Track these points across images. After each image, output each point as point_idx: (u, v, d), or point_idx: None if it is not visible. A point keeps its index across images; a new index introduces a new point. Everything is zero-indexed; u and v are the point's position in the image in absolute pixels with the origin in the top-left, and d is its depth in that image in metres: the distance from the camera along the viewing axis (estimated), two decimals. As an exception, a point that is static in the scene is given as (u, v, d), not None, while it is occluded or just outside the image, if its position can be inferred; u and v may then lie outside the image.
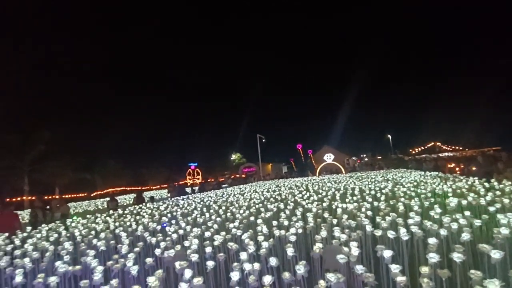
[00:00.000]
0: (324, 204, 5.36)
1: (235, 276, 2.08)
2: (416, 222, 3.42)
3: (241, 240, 3.43)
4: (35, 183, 26.95)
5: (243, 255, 2.51)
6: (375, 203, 5.07)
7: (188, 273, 2.21)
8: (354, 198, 5.81)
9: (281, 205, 5.83)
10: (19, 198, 25.62)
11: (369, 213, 4.29)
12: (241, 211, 5.50)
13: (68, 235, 5.43)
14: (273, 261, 2.30)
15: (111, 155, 37.47)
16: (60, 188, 29.80)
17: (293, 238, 3.09)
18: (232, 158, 48.93)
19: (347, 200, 5.66)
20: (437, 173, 10.91)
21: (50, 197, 25.97)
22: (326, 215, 4.32)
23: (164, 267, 2.89)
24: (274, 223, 4.11)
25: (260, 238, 3.21)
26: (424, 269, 1.83)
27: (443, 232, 2.96)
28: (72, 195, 30.36)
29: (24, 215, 13.93)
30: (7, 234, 5.52)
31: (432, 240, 2.52)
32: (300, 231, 3.61)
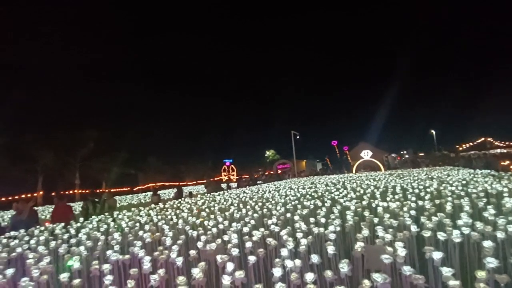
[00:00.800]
0: (364, 202, 5.19)
1: (277, 272, 2.09)
2: (467, 223, 3.19)
3: (279, 236, 3.44)
4: (85, 177, 29.26)
5: (284, 252, 2.52)
6: (420, 202, 4.81)
7: (230, 267, 2.26)
8: (396, 196, 5.56)
9: (318, 203, 5.74)
10: (71, 191, 27.95)
11: (413, 212, 4.09)
12: (278, 208, 5.50)
13: (115, 226, 5.82)
14: (315, 258, 2.28)
15: (152, 152, 39.40)
16: (107, 182, 32.03)
17: (332, 236, 3.03)
18: (266, 155, 49.13)
19: (388, 198, 5.43)
20: (489, 171, 10.06)
21: (99, 190, 28.08)
22: (366, 213, 4.18)
23: (206, 260, 2.99)
24: (312, 220, 4.07)
25: (299, 235, 3.20)
26: (481, 274, 1.70)
27: (499, 235, 2.73)
28: (117, 189, 32.48)
29: (76, 206, 15.19)
30: (63, 224, 6.05)
31: (487, 243, 2.33)
32: (338, 229, 3.53)
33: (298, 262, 2.28)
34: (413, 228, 3.20)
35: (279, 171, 35.22)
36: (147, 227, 5.12)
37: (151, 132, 40.82)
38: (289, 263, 2.26)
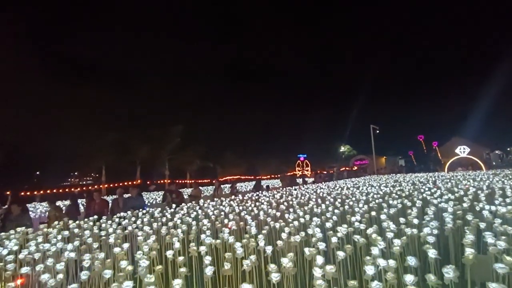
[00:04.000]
0: (464, 205, 4.59)
1: (370, 270, 2.03)
2: None
3: (366, 234, 3.31)
4: (172, 169, 32.74)
5: (375, 250, 2.42)
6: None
7: (319, 260, 2.28)
8: (508, 200, 4.76)
9: (406, 202, 5.30)
10: (162, 181, 31.60)
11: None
12: (360, 205, 5.28)
13: (203, 213, 6.39)
14: (412, 260, 2.13)
15: (229, 146, 41.54)
16: (190, 174, 35.25)
17: (431, 239, 2.78)
18: (341, 150, 47.05)
19: (496, 201, 4.69)
20: None
21: (184, 181, 31.16)
22: (469, 217, 3.69)
23: (291, 251, 3.06)
24: (402, 220, 3.78)
25: (389, 234, 3.02)
26: None
27: None
28: (199, 181, 35.41)
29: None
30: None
31: None
32: (435, 232, 3.21)
33: (392, 262, 2.17)
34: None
35: (355, 167, 33.50)
36: (231, 216, 5.49)
37: (227, 126, 43.03)
38: (382, 262, 2.17)
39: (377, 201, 5.80)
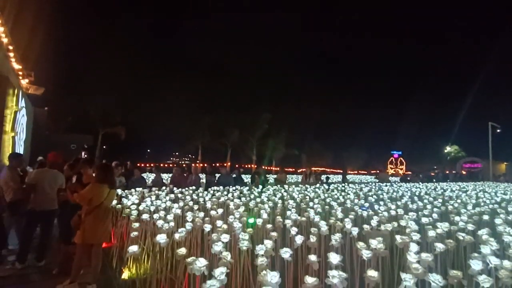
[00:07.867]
0: None
1: (476, 265, 1.81)
2: None
3: (474, 235, 2.91)
4: (259, 154, 34.21)
5: (485, 249, 2.13)
6: None
7: (413, 247, 2.14)
8: None
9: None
10: (249, 165, 33.44)
11: None
12: (469, 207, 4.62)
13: (288, 195, 6.58)
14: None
15: (316, 136, 40.78)
16: (276, 161, 36.18)
17: None
18: (446, 151, 40.82)
19: None
20: None
21: (269, 167, 32.28)
22: None
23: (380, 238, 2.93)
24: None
25: (507, 238, 2.59)
26: None
27: None
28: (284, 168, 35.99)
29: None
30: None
31: None
32: None
33: (508, 263, 1.88)
34: None
35: (464, 172, 28.84)
36: (316, 200, 5.51)
37: (316, 116, 42.02)
38: (493, 260, 1.90)
39: (491, 206, 4.97)
